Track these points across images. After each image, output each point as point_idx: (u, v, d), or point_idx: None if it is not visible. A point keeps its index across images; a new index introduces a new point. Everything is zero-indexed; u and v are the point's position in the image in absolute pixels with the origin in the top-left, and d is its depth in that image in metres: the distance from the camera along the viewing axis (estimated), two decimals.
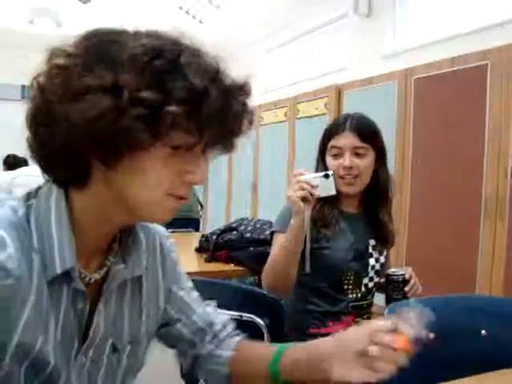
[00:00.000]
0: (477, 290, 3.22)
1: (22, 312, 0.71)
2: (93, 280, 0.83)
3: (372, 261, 1.82)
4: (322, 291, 1.78)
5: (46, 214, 0.76)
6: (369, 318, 1.83)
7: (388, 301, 1.69)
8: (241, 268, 2.35)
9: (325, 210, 1.77)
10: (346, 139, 1.73)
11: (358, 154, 1.73)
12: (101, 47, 0.72)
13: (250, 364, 0.99)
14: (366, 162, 1.74)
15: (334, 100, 4.66)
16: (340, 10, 5.00)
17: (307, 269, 1.70)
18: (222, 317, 1.08)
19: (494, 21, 3.49)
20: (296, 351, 0.93)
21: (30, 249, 0.73)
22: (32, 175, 3.11)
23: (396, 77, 3.96)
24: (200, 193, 6.26)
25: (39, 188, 0.80)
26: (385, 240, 1.85)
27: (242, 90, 0.78)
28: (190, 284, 1.06)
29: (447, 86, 3.51)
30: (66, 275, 0.76)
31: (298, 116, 5.20)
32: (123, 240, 0.89)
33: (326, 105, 4.75)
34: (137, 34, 0.74)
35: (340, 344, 0.86)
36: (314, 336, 1.66)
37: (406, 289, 1.67)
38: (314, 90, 4.95)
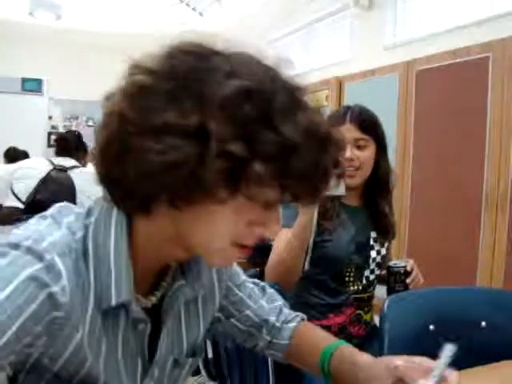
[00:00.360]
0: (477, 281, 3.22)
1: (73, 337, 0.68)
2: (150, 305, 0.79)
3: (373, 253, 1.82)
4: (324, 284, 1.78)
5: (105, 240, 0.71)
6: (369, 311, 1.84)
7: (389, 293, 1.69)
8: (243, 260, 2.33)
9: (326, 203, 1.76)
10: (347, 131, 1.71)
11: (358, 146, 1.72)
12: (189, 73, 0.64)
13: (302, 358, 1.03)
14: (367, 154, 1.74)
15: (335, 92, 4.65)
16: (341, 2, 4.98)
17: (306, 266, 1.70)
18: (275, 306, 1.07)
19: (496, 13, 3.48)
20: (340, 356, 0.94)
21: (86, 279, 0.69)
22: (32, 168, 3.12)
23: (397, 69, 3.94)
24: None
25: (99, 202, 0.74)
26: (386, 232, 1.85)
27: (337, 145, 0.69)
28: (243, 277, 1.04)
29: (449, 78, 3.50)
30: (122, 306, 0.73)
31: None
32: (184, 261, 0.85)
33: (326, 97, 4.74)
34: (230, 59, 0.65)
35: (378, 373, 0.86)
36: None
37: (408, 281, 1.67)
38: (314, 82, 4.94)
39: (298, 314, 1.09)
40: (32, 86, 6.95)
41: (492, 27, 3.41)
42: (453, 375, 0.79)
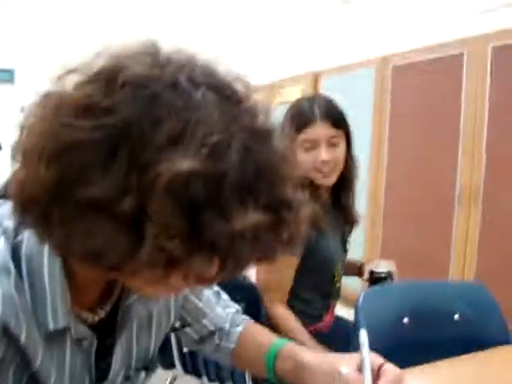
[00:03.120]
0: (450, 276, 3.27)
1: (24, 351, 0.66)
2: (97, 319, 0.75)
3: (348, 245, 1.83)
4: (317, 287, 1.74)
5: (38, 259, 0.66)
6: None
7: None
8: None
9: (317, 204, 1.64)
10: (320, 130, 1.57)
11: (333, 144, 1.59)
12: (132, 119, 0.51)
13: (248, 361, 1.02)
14: (341, 151, 1.63)
15: (310, 87, 4.65)
16: None
17: None
18: (229, 313, 1.05)
19: (471, 10, 3.51)
20: (285, 355, 0.91)
21: (24, 301, 0.65)
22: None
23: (373, 64, 3.96)
24: None
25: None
26: (355, 223, 1.83)
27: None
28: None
29: (424, 74, 3.53)
30: (63, 329, 0.69)
31: (275, 102, 5.18)
32: None
33: (302, 91, 4.74)
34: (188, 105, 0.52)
35: (323, 375, 0.83)
36: (311, 332, 1.65)
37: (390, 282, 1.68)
38: (290, 76, 4.94)
39: (246, 317, 1.07)
40: (3, 76, 6.81)
41: (466, 24, 3.44)
42: (389, 367, 0.78)
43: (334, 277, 1.75)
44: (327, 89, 4.44)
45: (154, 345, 0.89)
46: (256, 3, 5.63)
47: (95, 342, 0.76)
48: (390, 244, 3.78)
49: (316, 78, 4.64)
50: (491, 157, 3.07)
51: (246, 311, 1.44)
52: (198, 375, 1.84)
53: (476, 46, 3.16)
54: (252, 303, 1.54)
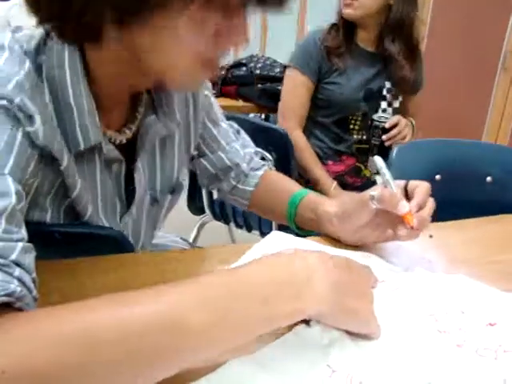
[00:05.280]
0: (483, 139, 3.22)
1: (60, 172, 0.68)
2: (124, 141, 0.76)
3: (384, 104, 1.78)
4: (327, 128, 1.77)
5: (61, 77, 0.65)
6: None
7: (368, 145, 1.72)
8: (249, 104, 2.32)
9: (339, 38, 1.69)
10: None
11: None
12: None
13: (268, 206, 1.01)
14: None
15: None
16: None
17: None
18: (247, 153, 1.03)
19: None
20: (305, 207, 0.92)
21: (52, 124, 0.65)
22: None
23: None
24: None
25: (45, 40, 0.66)
26: (401, 84, 1.77)
27: None
28: (220, 115, 0.99)
29: None
30: (94, 148, 0.70)
31: None
32: (152, 90, 0.79)
33: None
34: None
35: (343, 219, 0.83)
36: None
37: (384, 137, 1.67)
38: None
39: (267, 163, 1.06)
40: None
41: None
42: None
43: (349, 124, 1.74)
44: None
45: (176, 168, 0.90)
46: None
47: (124, 165, 0.78)
48: (426, 102, 3.68)
49: None
50: None
51: (277, 161, 1.46)
52: (227, 222, 1.91)
53: None
54: (284, 152, 1.55)
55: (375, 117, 1.69)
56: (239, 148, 1.01)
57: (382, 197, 0.76)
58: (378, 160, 0.81)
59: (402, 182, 0.80)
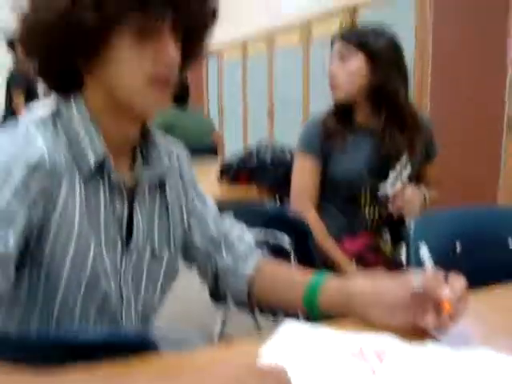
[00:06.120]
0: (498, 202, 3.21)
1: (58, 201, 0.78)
2: (126, 180, 0.87)
3: (392, 174, 1.75)
4: (338, 206, 1.77)
5: (69, 116, 0.82)
6: (388, 242, 1.81)
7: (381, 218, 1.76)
8: (263, 190, 2.35)
9: (336, 120, 1.74)
10: (336, 45, 1.74)
11: (342, 58, 1.70)
12: None
13: (277, 289, 0.98)
14: (351, 66, 1.68)
15: (348, 21, 4.47)
16: None
17: None
18: (237, 229, 1.05)
19: None
20: (331, 290, 0.90)
21: (62, 147, 0.80)
22: None
23: None
24: (216, 122, 6.23)
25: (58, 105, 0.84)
26: (395, 154, 1.73)
27: None
28: (204, 195, 1.05)
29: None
30: (101, 169, 0.82)
31: (312, 39, 5.07)
32: (143, 148, 0.93)
33: (341, 24, 4.56)
34: None
35: (378, 298, 0.83)
36: None
37: (390, 208, 1.67)
38: (327, 10, 4.75)
39: (258, 249, 1.05)
40: None
41: None
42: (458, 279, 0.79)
43: (360, 201, 1.75)
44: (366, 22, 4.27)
45: (172, 229, 0.96)
46: None
47: (126, 205, 0.87)
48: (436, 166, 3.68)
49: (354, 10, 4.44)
50: None
51: (295, 245, 1.46)
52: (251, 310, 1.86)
53: None
54: (301, 237, 1.54)
55: (381, 188, 1.69)
56: (228, 223, 1.06)
57: (427, 278, 0.78)
58: (423, 250, 0.84)
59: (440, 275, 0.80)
